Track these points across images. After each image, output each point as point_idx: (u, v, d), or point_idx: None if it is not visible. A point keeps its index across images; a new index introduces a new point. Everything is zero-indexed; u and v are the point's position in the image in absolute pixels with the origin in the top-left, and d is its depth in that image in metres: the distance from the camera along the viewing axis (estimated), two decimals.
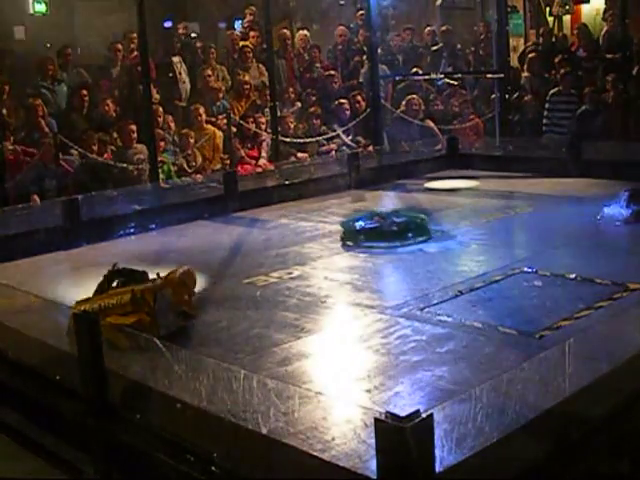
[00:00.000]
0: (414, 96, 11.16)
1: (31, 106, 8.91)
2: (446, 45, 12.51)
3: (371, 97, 10.71)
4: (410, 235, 5.80)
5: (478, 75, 11.96)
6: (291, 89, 11.15)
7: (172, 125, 9.81)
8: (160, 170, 8.89)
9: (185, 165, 9.58)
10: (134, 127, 9.14)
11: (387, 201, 7.85)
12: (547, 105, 10.83)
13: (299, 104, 11.09)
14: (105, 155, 8.89)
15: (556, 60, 11.18)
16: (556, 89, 10.79)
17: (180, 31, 11.40)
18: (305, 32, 11.94)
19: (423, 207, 7.21)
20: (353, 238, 5.87)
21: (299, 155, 10.23)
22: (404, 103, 11.10)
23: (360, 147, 10.34)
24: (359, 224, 5.99)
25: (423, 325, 4.10)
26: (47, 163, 8.45)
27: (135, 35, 9.59)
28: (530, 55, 11.63)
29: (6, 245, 6.05)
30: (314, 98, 11.05)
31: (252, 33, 11.44)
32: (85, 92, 9.51)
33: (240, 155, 9.97)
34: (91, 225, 6.55)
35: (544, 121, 10.83)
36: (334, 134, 10.64)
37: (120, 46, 10.38)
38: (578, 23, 13.49)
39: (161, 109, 9.66)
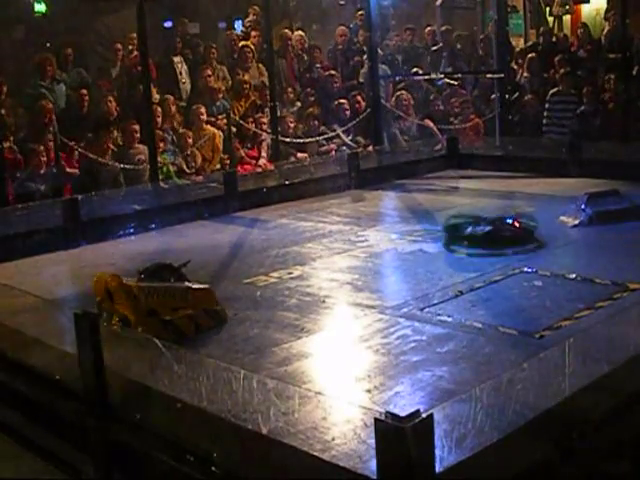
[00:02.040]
0: (403, 92, 11.19)
1: (40, 108, 8.89)
2: (446, 45, 12.51)
3: (371, 97, 10.71)
4: (521, 242, 5.49)
5: (478, 75, 11.97)
6: (291, 89, 11.16)
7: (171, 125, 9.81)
8: (160, 170, 8.89)
9: (184, 166, 9.58)
10: (137, 127, 9.14)
11: (387, 201, 7.86)
12: (547, 105, 10.85)
13: (299, 104, 11.09)
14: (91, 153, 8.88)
15: (556, 60, 11.20)
16: (556, 89, 10.81)
17: (180, 29, 11.40)
18: (301, 33, 11.93)
19: (423, 207, 7.22)
20: (459, 243, 5.57)
21: (299, 155, 10.23)
22: (394, 99, 11.15)
23: (360, 147, 10.34)
24: (467, 229, 5.64)
25: (423, 325, 4.09)
26: (37, 171, 8.46)
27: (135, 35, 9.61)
28: (530, 55, 11.65)
29: (6, 245, 6.04)
30: (314, 98, 11.05)
31: (254, 33, 11.43)
32: (85, 92, 9.52)
33: (240, 155, 9.97)
34: (91, 225, 6.55)
35: (544, 121, 10.84)
36: (334, 134, 10.65)
37: (120, 46, 10.39)
38: (578, 23, 13.51)
39: (160, 109, 9.66)
